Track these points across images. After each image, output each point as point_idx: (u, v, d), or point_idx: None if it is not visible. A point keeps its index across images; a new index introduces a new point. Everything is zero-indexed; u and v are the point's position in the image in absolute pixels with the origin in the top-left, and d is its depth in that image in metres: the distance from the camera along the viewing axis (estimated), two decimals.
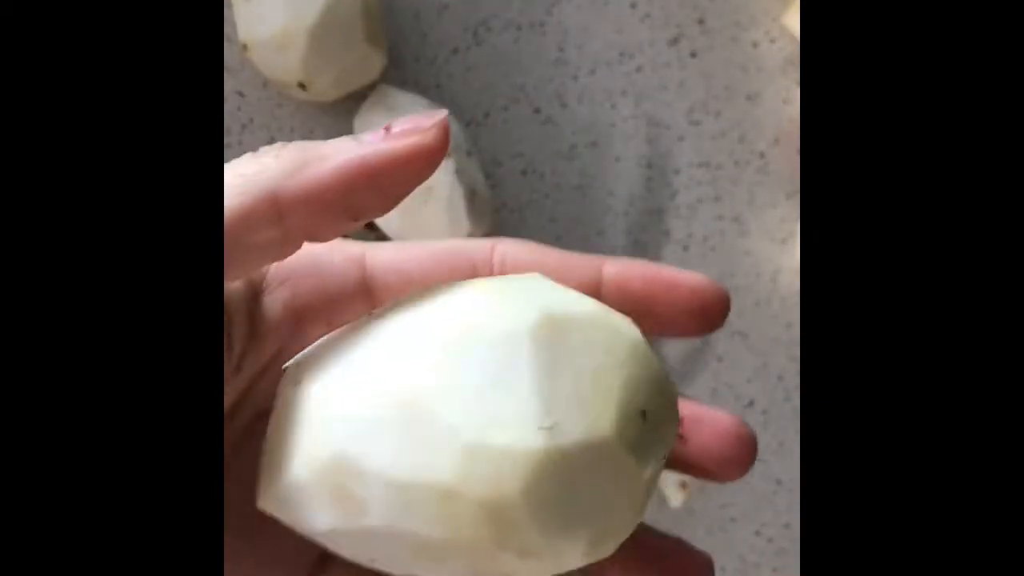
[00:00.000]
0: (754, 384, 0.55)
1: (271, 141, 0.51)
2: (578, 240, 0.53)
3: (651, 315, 0.26)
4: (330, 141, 0.23)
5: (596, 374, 0.22)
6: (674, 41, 0.53)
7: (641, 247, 0.53)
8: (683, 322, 0.26)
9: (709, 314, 0.25)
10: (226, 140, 0.50)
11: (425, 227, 0.48)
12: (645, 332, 0.25)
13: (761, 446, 0.56)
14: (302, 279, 0.26)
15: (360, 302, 0.26)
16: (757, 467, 0.56)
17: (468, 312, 0.22)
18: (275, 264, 0.26)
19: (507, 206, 0.53)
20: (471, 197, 0.48)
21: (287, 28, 0.46)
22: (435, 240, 0.27)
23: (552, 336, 0.22)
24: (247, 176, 0.22)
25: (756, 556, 0.56)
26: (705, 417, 0.26)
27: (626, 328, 0.23)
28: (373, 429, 0.21)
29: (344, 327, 0.25)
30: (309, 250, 0.25)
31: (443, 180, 0.47)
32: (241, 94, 0.50)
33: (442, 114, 0.22)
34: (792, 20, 0.52)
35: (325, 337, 0.25)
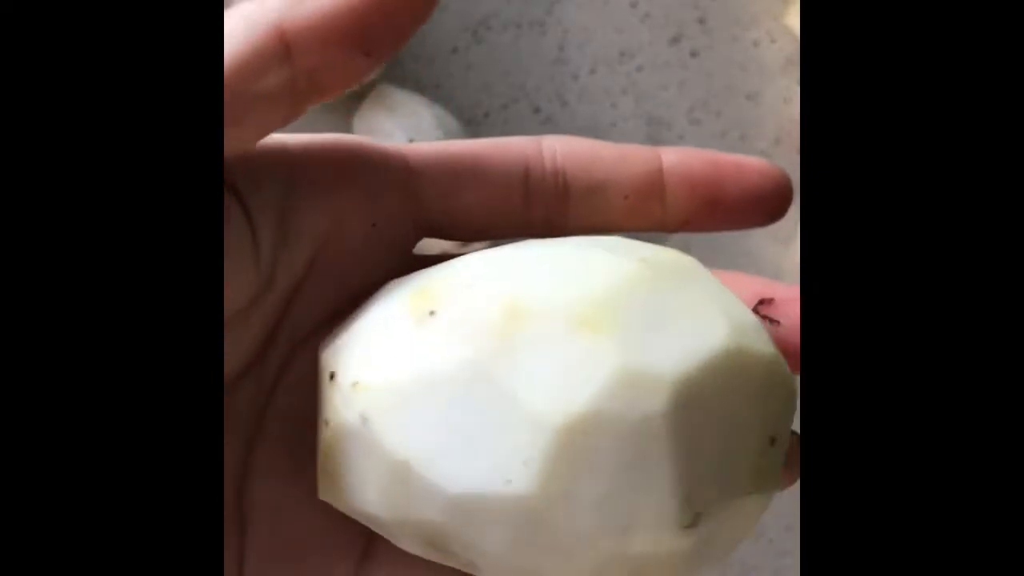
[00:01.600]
0: None
1: None
2: None
3: (717, 203, 0.24)
4: None
5: (733, 436, 0.19)
6: (674, 40, 0.53)
7: None
8: (751, 208, 0.24)
9: (777, 198, 0.24)
10: None
11: None
12: (712, 227, 0.23)
13: None
14: (339, 175, 0.23)
15: (404, 202, 0.23)
16: None
17: (583, 388, 0.18)
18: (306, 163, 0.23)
19: None
20: None
21: None
22: (479, 139, 0.24)
23: (689, 415, 0.19)
24: (247, 15, 0.20)
25: (757, 559, 0.56)
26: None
27: (759, 354, 0.20)
28: (479, 518, 0.19)
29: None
30: (346, 145, 0.23)
31: None
32: None
33: None
34: (793, 19, 0.52)
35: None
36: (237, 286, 0.22)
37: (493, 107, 0.52)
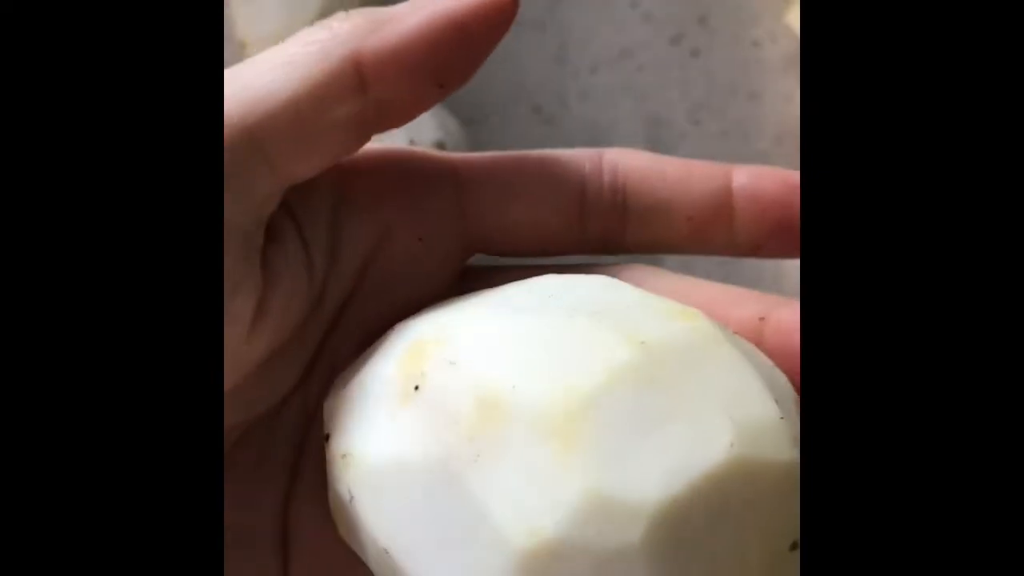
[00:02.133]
0: None
1: None
2: None
3: (791, 227, 0.22)
4: (399, 4, 0.20)
5: (734, 555, 0.17)
6: (675, 40, 0.53)
7: None
8: None
9: None
10: None
11: None
12: (784, 253, 0.21)
13: None
14: (386, 188, 0.22)
15: (452, 214, 0.22)
16: None
17: (552, 512, 0.17)
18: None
19: None
20: None
21: (286, 26, 0.45)
22: (533, 151, 0.23)
23: (674, 542, 0.17)
24: (321, 41, 0.20)
25: None
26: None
27: (772, 462, 0.18)
28: None
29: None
30: (395, 156, 0.22)
31: None
32: None
33: None
34: (794, 19, 0.52)
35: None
36: (293, 306, 0.21)
37: (493, 107, 0.52)
